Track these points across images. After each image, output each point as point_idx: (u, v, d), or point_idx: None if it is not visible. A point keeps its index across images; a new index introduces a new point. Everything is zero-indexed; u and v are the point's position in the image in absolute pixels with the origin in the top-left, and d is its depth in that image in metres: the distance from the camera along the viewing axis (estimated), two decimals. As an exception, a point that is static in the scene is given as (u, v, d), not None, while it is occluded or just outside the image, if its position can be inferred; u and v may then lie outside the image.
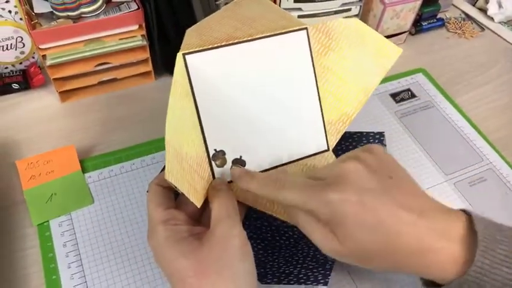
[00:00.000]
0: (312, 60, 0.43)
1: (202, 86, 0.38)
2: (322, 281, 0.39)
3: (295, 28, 0.42)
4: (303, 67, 0.43)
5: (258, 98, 0.41)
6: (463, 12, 0.79)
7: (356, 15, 0.66)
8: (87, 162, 0.52)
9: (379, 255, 0.34)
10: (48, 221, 0.47)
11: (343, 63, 0.44)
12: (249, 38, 0.40)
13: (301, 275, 0.40)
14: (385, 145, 0.47)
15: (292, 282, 0.40)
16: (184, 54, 0.37)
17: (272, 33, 0.41)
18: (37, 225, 0.47)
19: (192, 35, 0.38)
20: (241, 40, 0.39)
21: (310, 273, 0.40)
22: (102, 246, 0.46)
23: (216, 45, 0.38)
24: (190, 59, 0.37)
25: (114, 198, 0.50)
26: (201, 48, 0.38)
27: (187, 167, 0.36)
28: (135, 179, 0.51)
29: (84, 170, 0.51)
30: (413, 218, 0.33)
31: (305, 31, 0.42)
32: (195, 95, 0.38)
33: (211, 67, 0.39)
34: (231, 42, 0.39)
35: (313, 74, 0.43)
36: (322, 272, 0.40)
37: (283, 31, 0.41)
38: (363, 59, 0.44)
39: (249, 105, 0.41)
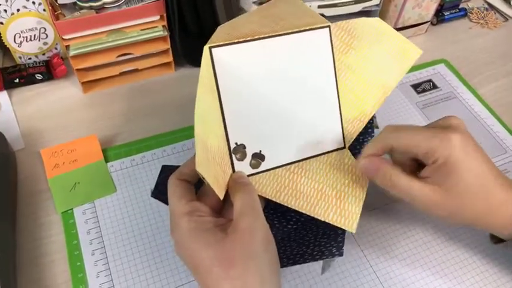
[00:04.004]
0: (333, 58, 0.44)
1: (226, 79, 0.39)
2: (337, 252, 0.39)
3: (318, 26, 0.42)
4: (324, 64, 0.43)
5: (280, 93, 0.42)
6: (486, 2, 0.78)
7: (377, 5, 0.66)
8: (109, 151, 0.53)
9: (474, 205, 0.37)
10: (72, 208, 0.48)
11: (363, 62, 0.45)
12: (273, 34, 0.41)
13: (315, 252, 0.40)
14: (375, 117, 0.48)
15: (308, 260, 0.40)
16: (210, 47, 0.38)
17: (296, 29, 0.42)
18: (61, 213, 0.48)
19: (222, 30, 0.39)
20: (265, 36, 0.40)
21: (324, 249, 0.40)
22: (125, 233, 0.46)
23: (241, 40, 0.39)
24: (216, 52, 0.38)
25: (136, 187, 0.50)
26: (226, 42, 0.39)
27: (211, 159, 0.37)
28: (156, 169, 0.52)
29: (106, 159, 0.52)
30: (507, 188, 0.38)
31: (327, 29, 0.43)
32: (219, 87, 0.39)
33: (236, 60, 0.39)
34: (256, 37, 0.40)
35: (334, 72, 0.44)
36: (335, 245, 0.40)
37: (306, 28, 0.42)
38: (383, 58, 0.45)
39: (270, 100, 0.41)
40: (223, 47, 0.39)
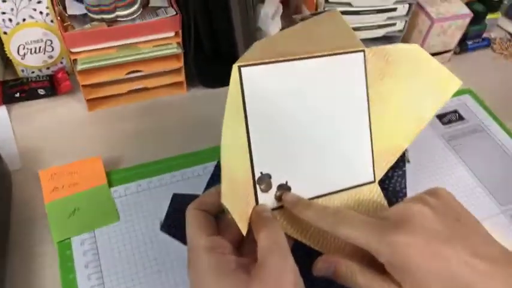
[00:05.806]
0: (367, 85, 0.40)
1: (254, 100, 0.36)
2: None
3: (352, 49, 0.40)
4: (357, 91, 0.40)
5: (309, 119, 0.39)
6: (509, 33, 0.76)
7: (400, 31, 0.63)
8: (113, 175, 0.49)
9: None
10: (69, 238, 0.44)
11: (398, 91, 0.41)
12: (306, 56, 0.38)
13: None
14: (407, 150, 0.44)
15: None
16: (240, 66, 0.35)
17: (329, 52, 0.39)
18: (58, 243, 0.43)
19: (256, 47, 0.36)
20: (297, 57, 0.37)
21: None
22: (127, 269, 0.42)
23: (272, 60, 0.37)
24: (246, 72, 0.35)
25: (141, 216, 0.46)
26: (257, 62, 0.36)
27: (235, 189, 0.33)
28: (164, 196, 0.47)
29: (110, 184, 0.48)
30: (488, 268, 0.31)
31: (362, 53, 0.40)
32: (247, 110, 0.36)
33: (266, 82, 0.36)
34: (287, 58, 0.37)
35: (366, 100, 0.41)
36: None
37: (340, 51, 0.39)
38: (419, 89, 0.42)
39: (299, 126, 0.38)
40: (253, 67, 0.36)
